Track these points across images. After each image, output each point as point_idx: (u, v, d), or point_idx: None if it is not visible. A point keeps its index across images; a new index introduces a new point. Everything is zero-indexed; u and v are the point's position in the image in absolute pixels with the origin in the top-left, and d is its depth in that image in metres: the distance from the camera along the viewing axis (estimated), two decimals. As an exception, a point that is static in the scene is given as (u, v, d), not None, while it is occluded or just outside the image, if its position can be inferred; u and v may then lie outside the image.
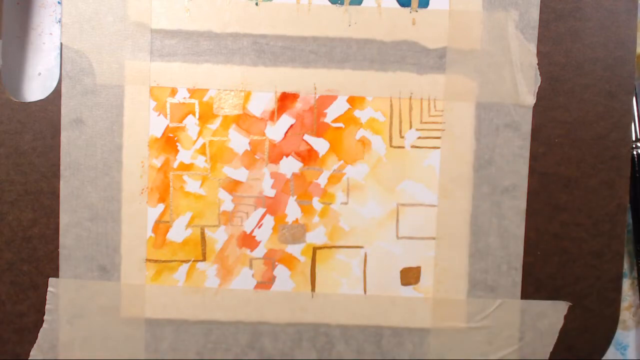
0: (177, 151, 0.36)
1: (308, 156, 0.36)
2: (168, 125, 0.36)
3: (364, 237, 0.37)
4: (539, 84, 0.36)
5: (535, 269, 0.37)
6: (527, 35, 0.36)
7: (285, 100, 0.36)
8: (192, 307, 0.36)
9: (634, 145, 0.38)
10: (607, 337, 0.37)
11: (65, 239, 0.36)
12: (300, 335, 0.37)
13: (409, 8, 0.36)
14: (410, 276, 0.37)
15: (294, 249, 0.37)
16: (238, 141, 0.36)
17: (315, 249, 0.37)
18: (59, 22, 0.38)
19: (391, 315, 0.37)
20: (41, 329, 0.36)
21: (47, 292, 0.36)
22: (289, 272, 0.37)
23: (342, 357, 0.37)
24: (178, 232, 0.36)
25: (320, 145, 0.36)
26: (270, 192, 0.36)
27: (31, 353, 0.36)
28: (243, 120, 0.36)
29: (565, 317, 0.37)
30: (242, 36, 0.36)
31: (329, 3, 0.36)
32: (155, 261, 0.36)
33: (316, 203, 0.36)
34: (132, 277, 0.36)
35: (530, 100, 0.36)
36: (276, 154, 0.36)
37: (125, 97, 0.36)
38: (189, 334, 0.37)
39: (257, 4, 0.36)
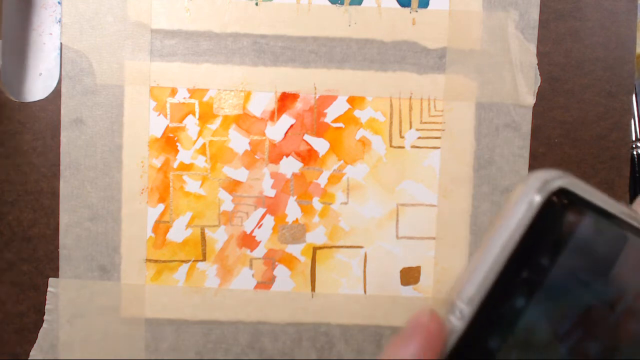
0: (177, 151, 0.36)
1: (308, 156, 0.36)
2: (168, 125, 0.36)
3: (364, 237, 0.37)
4: (539, 84, 0.36)
5: (535, 269, 0.37)
6: (527, 35, 0.36)
7: (285, 100, 0.36)
8: (192, 307, 0.36)
9: (634, 145, 0.38)
10: (607, 337, 0.37)
11: (65, 239, 0.36)
12: (300, 335, 0.37)
13: (409, 8, 0.36)
14: (410, 276, 0.37)
15: (294, 249, 0.37)
16: (238, 141, 0.36)
17: (315, 249, 0.37)
18: (59, 22, 0.38)
19: (391, 315, 0.37)
20: (41, 329, 0.36)
21: (47, 292, 0.36)
22: (289, 272, 0.37)
23: (342, 357, 0.37)
24: (178, 232, 0.36)
25: (320, 145, 0.36)
26: (270, 192, 0.36)
27: (31, 353, 0.36)
28: (243, 120, 0.36)
29: (565, 317, 0.37)
30: (242, 36, 0.36)
31: (329, 3, 0.36)
32: (155, 261, 0.36)
33: (316, 203, 0.36)
34: (132, 277, 0.36)
35: (530, 100, 0.36)
36: (276, 154, 0.36)
37: (125, 97, 0.36)
38: (189, 334, 0.37)
39: (257, 4, 0.36)
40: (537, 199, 0.16)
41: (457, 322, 0.17)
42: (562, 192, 0.16)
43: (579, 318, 0.17)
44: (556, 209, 0.16)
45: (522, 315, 0.17)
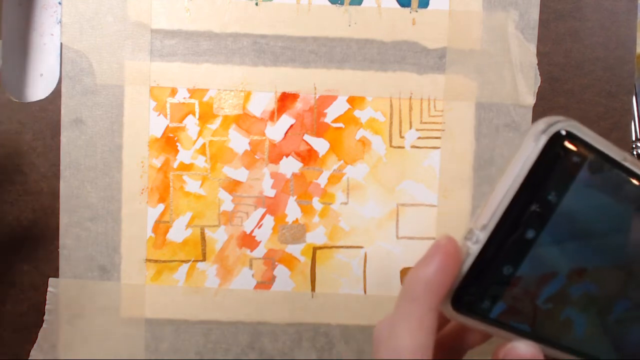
0: (177, 151, 0.36)
1: (308, 156, 0.36)
2: (168, 125, 0.36)
3: (364, 237, 0.36)
4: (539, 84, 0.36)
5: (535, 269, 0.37)
6: (527, 35, 0.36)
7: (285, 100, 0.36)
8: (192, 307, 0.36)
9: (634, 145, 0.38)
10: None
11: (65, 239, 0.36)
12: (300, 335, 0.37)
13: (409, 8, 0.36)
14: (410, 276, 0.37)
15: (294, 249, 0.37)
16: (238, 141, 0.36)
17: (315, 249, 0.37)
18: (60, 23, 0.38)
19: (391, 316, 0.37)
20: (41, 329, 0.36)
21: (47, 292, 0.36)
22: (289, 272, 0.37)
23: (342, 357, 0.37)
24: (178, 232, 0.36)
25: (320, 145, 0.36)
26: (270, 192, 0.36)
27: (31, 353, 0.36)
28: (243, 120, 0.36)
29: (566, 317, 0.37)
30: (242, 36, 0.36)
31: (329, 3, 0.36)
32: (155, 261, 0.36)
33: (316, 203, 0.36)
34: (132, 277, 0.36)
35: (530, 100, 0.36)
36: (276, 154, 0.36)
37: (125, 97, 0.36)
38: (189, 334, 0.36)
39: (257, 4, 0.36)
40: (543, 138, 0.17)
41: (473, 246, 0.18)
42: (567, 136, 0.18)
43: (582, 264, 0.18)
44: (560, 149, 0.18)
45: (533, 246, 0.18)
